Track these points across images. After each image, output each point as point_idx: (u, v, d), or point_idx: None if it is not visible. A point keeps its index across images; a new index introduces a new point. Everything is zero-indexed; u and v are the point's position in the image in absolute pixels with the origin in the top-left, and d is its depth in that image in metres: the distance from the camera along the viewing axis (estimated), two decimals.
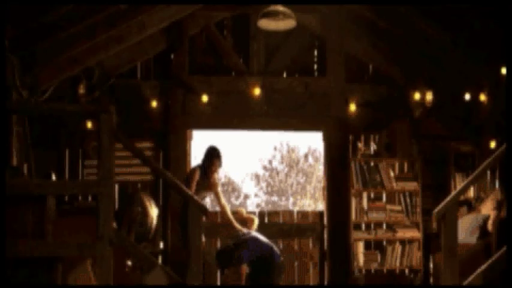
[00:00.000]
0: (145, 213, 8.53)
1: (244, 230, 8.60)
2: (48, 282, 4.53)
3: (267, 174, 29.93)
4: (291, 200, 29.26)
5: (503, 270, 5.02)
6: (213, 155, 8.37)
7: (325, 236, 9.69)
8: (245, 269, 8.34)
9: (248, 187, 30.23)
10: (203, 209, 5.54)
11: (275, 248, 8.56)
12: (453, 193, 6.00)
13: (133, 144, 6.37)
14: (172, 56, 9.70)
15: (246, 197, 29.97)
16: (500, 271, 5.09)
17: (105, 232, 4.49)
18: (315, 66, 9.99)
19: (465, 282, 5.15)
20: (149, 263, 5.13)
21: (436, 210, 5.49)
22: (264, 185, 29.88)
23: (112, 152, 4.67)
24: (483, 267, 5.15)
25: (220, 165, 8.41)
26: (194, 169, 8.37)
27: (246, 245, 8.37)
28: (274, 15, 8.13)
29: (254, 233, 8.60)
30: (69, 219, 5.61)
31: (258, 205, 28.74)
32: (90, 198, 8.83)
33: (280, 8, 8.08)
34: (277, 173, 29.82)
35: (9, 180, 4.87)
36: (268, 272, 8.43)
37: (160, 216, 9.05)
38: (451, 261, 5.00)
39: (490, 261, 5.20)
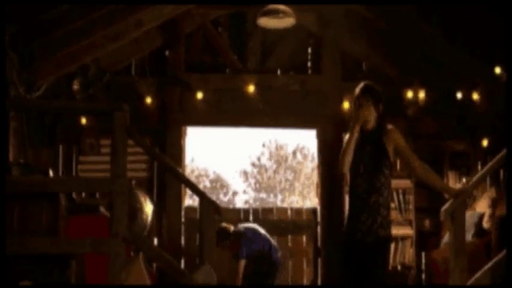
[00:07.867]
0: (140, 209, 8.54)
1: (245, 224, 8.55)
2: (63, 279, 4.55)
3: (256, 171, 29.93)
4: (280, 196, 29.29)
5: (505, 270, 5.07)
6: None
7: (319, 233, 9.75)
8: (243, 265, 8.22)
9: (237, 184, 30.25)
10: (216, 207, 5.39)
11: (273, 243, 8.49)
12: None
13: (145, 141, 6.32)
14: (167, 53, 9.70)
15: (235, 193, 29.97)
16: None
17: (119, 229, 4.52)
18: (311, 64, 10.03)
19: (470, 281, 5.19)
20: (164, 259, 5.14)
21: (443, 208, 5.51)
22: (252, 181, 29.88)
23: (125, 150, 4.69)
24: (489, 265, 5.20)
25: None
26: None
27: (243, 234, 8.32)
28: (273, 13, 8.14)
29: (253, 225, 8.54)
30: (74, 217, 5.59)
31: (246, 202, 28.74)
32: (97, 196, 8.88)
33: (280, 6, 8.10)
34: (266, 170, 29.82)
35: (21, 177, 4.90)
36: (266, 271, 8.36)
37: (155, 213, 9.05)
38: (459, 260, 5.05)
39: (495, 259, 5.25)
